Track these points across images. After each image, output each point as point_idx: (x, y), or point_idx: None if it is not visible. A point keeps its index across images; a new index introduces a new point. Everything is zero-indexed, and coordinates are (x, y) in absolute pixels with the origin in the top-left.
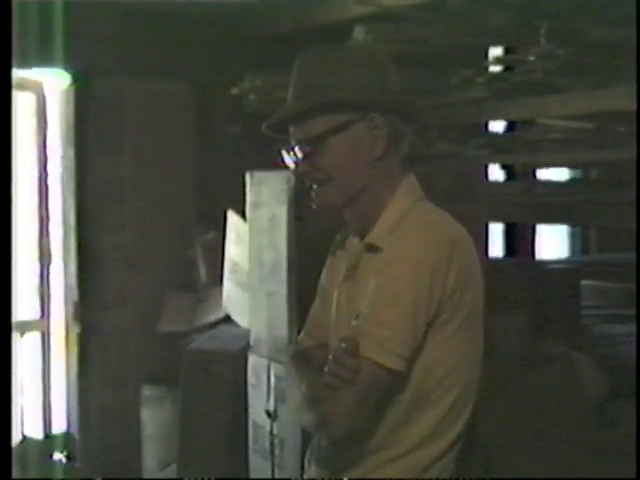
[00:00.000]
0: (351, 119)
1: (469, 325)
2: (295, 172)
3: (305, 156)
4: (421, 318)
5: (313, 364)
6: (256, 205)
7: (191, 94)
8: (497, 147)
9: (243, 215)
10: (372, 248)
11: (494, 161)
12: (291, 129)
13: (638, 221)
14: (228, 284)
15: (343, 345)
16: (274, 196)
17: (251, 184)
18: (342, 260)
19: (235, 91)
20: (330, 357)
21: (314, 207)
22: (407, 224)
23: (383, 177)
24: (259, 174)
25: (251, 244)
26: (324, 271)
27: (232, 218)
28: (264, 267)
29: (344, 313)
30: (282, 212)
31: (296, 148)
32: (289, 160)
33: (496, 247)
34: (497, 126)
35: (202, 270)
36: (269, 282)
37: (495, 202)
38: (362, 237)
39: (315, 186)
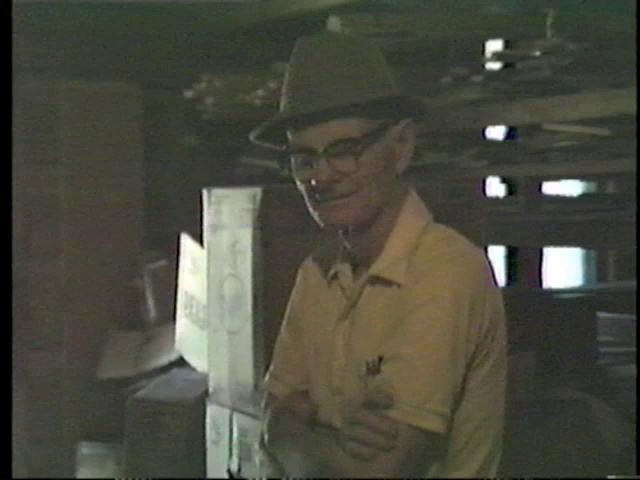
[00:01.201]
0: (386, 124)
1: (497, 369)
2: (319, 181)
3: (336, 162)
4: (460, 366)
5: (299, 419)
6: (215, 228)
7: (138, 97)
8: (496, 157)
9: (200, 240)
10: (380, 281)
11: (493, 174)
12: (311, 129)
13: (638, 223)
14: (182, 321)
15: (377, 402)
16: (237, 217)
17: (209, 203)
18: (330, 293)
19: (190, 94)
20: (352, 419)
21: (325, 224)
22: (427, 254)
23: (396, 192)
24: (219, 191)
25: (210, 274)
26: (295, 299)
27: (187, 243)
28: (225, 301)
29: (340, 359)
30: (246, 236)
31: (320, 153)
32: (297, 168)
33: (497, 274)
34: (496, 133)
35: (151, 304)
36: (231, 318)
37: (495, 222)
38: (357, 266)
39: (337, 200)
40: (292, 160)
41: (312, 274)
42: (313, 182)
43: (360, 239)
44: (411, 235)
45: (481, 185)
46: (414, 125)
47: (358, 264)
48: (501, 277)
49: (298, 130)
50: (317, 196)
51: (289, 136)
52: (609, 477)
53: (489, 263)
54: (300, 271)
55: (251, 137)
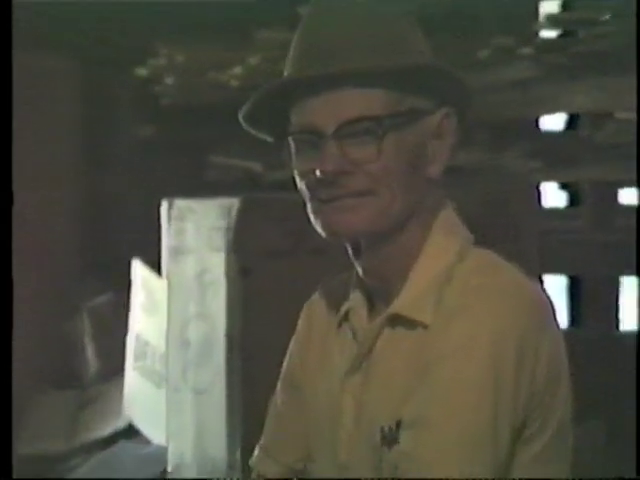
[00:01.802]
0: (418, 110)
1: (559, 441)
2: (325, 171)
3: (350, 148)
4: (504, 436)
5: None
6: (177, 252)
7: (77, 77)
8: (553, 156)
9: (157, 267)
10: (402, 322)
11: (550, 178)
12: (320, 104)
13: (638, 224)
14: (133, 375)
15: None
16: (205, 238)
17: (170, 218)
18: (338, 340)
19: (144, 72)
20: None
21: (329, 233)
22: (462, 286)
23: (426, 204)
24: (182, 203)
25: (170, 313)
26: (294, 350)
27: (140, 271)
28: (190, 349)
29: (349, 426)
30: (218, 263)
31: (329, 133)
32: (298, 154)
33: (557, 313)
34: (553, 123)
35: (91, 354)
36: (198, 373)
37: (553, 243)
38: (375, 302)
39: (347, 199)
40: (292, 146)
41: (318, 316)
42: (318, 173)
43: (376, 262)
44: (444, 261)
45: (534, 193)
46: (455, 117)
47: (376, 299)
48: (561, 317)
49: (303, 103)
50: (321, 194)
51: (292, 116)
52: (609, 477)
53: (547, 298)
54: (302, 313)
55: (240, 117)
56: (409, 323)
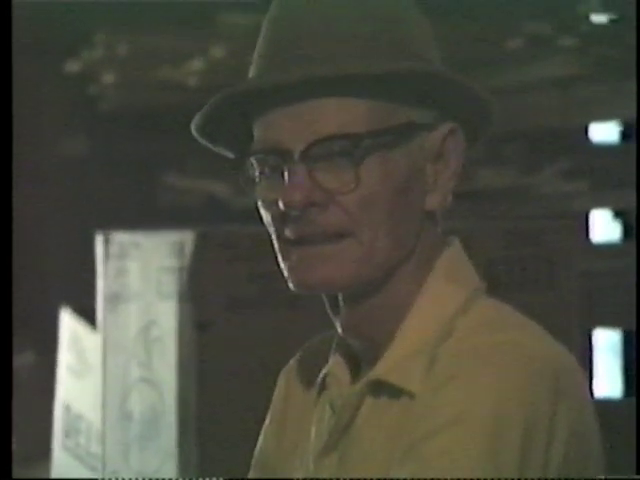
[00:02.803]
0: (417, 122)
1: None
2: (289, 202)
3: (320, 174)
4: None
5: None
6: (116, 299)
7: None
8: (604, 176)
9: (92, 319)
10: (386, 390)
11: (599, 204)
12: (284, 118)
13: (638, 229)
14: (62, 458)
15: None
16: (153, 282)
17: (107, 256)
18: (316, 413)
19: (75, 67)
20: None
21: (299, 287)
22: (459, 346)
23: (424, 244)
24: (123, 237)
25: (106, 377)
26: (268, 432)
27: (68, 325)
28: (133, 424)
29: None
30: (168, 314)
31: (296, 155)
32: (260, 181)
33: (607, 379)
34: (603, 133)
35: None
36: (143, 454)
37: (602, 287)
38: (361, 367)
39: (313, 246)
40: (255, 167)
41: (296, 386)
42: (280, 205)
43: (358, 318)
44: (441, 315)
45: (575, 223)
46: (463, 134)
47: (363, 363)
48: (609, 384)
49: (268, 116)
50: (288, 232)
51: (255, 130)
52: (609, 477)
53: (571, 363)
54: (278, 381)
55: (192, 128)
56: (394, 391)
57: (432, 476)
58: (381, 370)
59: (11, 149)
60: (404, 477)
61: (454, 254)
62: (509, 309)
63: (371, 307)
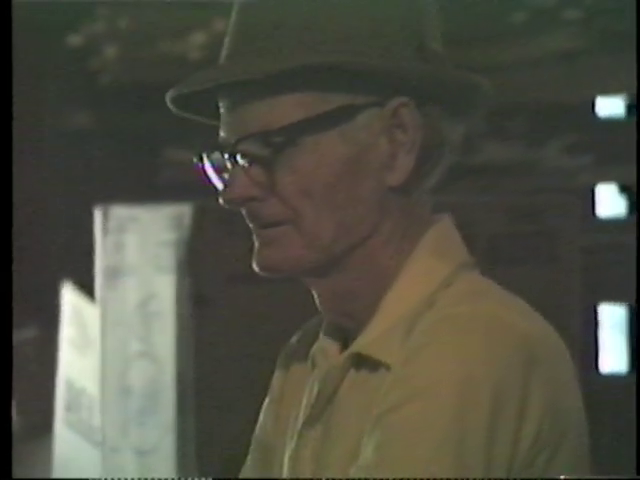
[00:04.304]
0: (356, 104)
1: None
2: (229, 200)
3: (254, 169)
4: None
5: None
6: (115, 273)
7: None
8: (609, 150)
9: (91, 292)
10: (366, 363)
11: (605, 179)
12: (227, 113)
13: (638, 232)
14: (64, 432)
15: None
16: (150, 255)
17: (106, 231)
18: (303, 385)
19: (77, 41)
20: None
21: (258, 270)
22: (440, 316)
23: (396, 221)
24: (121, 211)
25: (105, 351)
26: (268, 408)
27: (70, 299)
28: (132, 398)
29: None
30: (167, 288)
31: (237, 153)
32: (217, 177)
33: (610, 354)
34: (608, 107)
35: (12, 403)
36: (141, 429)
37: (607, 262)
38: (346, 341)
39: (265, 230)
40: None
41: (294, 363)
42: (221, 201)
43: (329, 297)
44: (423, 289)
45: (577, 198)
46: (415, 108)
47: (349, 339)
48: (620, 358)
49: (221, 112)
50: (250, 225)
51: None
52: (608, 477)
53: (550, 338)
54: (278, 359)
55: (168, 101)
56: (373, 364)
57: (398, 447)
58: (361, 343)
59: (11, 125)
60: (371, 448)
61: (442, 230)
62: (492, 283)
63: (338, 285)
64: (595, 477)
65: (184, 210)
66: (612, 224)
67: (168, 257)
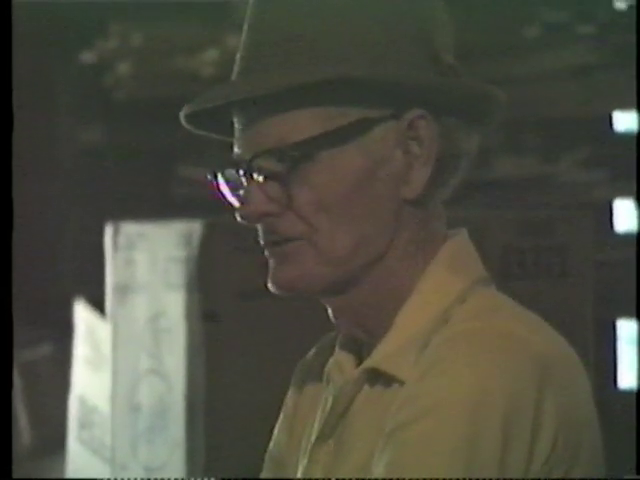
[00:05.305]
0: (372, 117)
1: None
2: (246, 216)
3: (270, 185)
4: None
5: None
6: (125, 290)
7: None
8: (625, 164)
9: (101, 308)
10: (381, 378)
11: (620, 194)
12: (241, 129)
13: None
14: (77, 449)
15: None
16: (161, 272)
17: (116, 247)
18: (318, 401)
19: (90, 58)
20: None
21: (273, 289)
22: (454, 332)
23: (412, 235)
24: (131, 228)
25: (115, 368)
26: (282, 425)
27: (83, 316)
28: (141, 415)
29: None
30: (176, 305)
31: (253, 169)
32: (232, 193)
33: (628, 370)
34: (623, 121)
35: (23, 421)
36: (151, 446)
37: (624, 278)
38: (361, 354)
39: (280, 247)
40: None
41: (310, 379)
42: (237, 217)
43: (345, 313)
44: (439, 304)
45: (601, 214)
46: (432, 120)
47: (364, 354)
48: (631, 375)
49: (236, 129)
50: (261, 237)
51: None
52: (608, 477)
53: (565, 354)
54: (293, 375)
55: (182, 119)
56: (387, 379)
57: (409, 464)
58: (376, 358)
59: (10, 137)
60: (382, 465)
61: (458, 245)
62: (507, 299)
63: (353, 300)
64: (595, 477)
65: (194, 227)
66: (628, 239)
67: (178, 274)
